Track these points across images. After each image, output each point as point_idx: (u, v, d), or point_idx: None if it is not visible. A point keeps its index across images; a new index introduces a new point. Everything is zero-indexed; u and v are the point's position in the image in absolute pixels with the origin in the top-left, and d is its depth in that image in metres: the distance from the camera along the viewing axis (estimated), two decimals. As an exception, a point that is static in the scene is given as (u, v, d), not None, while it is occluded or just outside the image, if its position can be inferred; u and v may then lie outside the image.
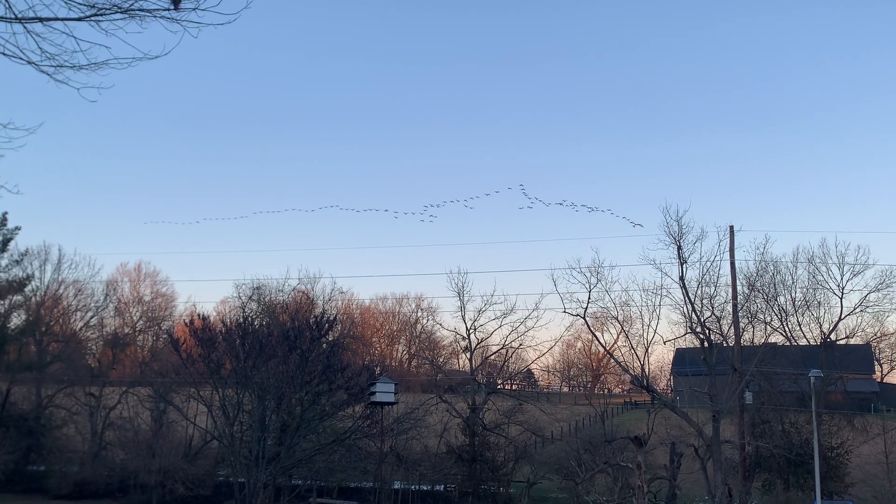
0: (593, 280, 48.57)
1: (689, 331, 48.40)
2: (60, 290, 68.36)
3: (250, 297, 76.27)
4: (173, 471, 50.54)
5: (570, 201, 46.28)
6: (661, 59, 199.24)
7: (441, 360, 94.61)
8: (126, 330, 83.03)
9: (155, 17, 11.14)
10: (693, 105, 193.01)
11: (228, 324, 46.88)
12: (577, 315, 49.69)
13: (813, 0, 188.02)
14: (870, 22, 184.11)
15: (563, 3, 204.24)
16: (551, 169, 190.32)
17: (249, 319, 49.58)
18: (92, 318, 71.88)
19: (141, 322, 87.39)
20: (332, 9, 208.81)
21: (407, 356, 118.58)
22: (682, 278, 46.82)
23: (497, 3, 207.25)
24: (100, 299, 72.07)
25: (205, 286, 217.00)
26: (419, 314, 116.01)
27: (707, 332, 47.52)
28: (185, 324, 49.59)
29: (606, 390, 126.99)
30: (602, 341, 63.58)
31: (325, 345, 45.74)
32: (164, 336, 71.82)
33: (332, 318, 51.09)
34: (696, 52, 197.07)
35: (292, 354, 41.76)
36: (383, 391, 43.29)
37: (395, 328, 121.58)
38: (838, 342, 62.18)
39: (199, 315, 49.48)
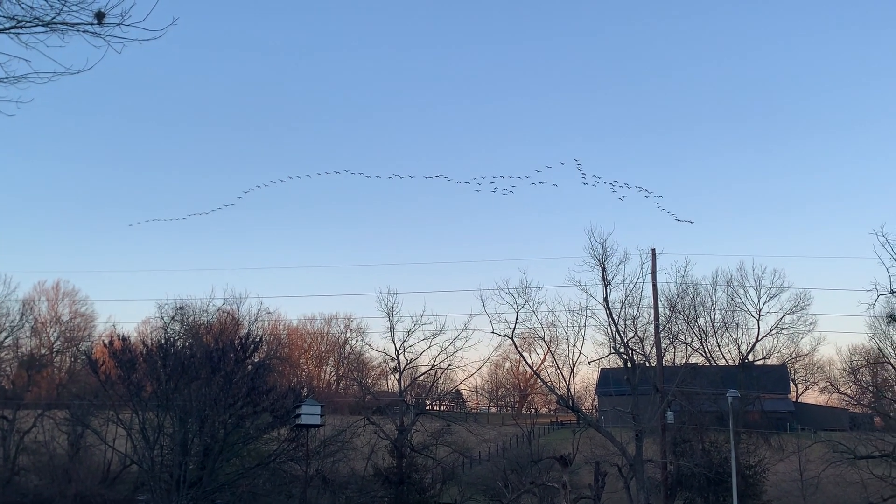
0: (521, 301, 49.22)
1: (612, 351, 49.37)
2: (-28, 309, 65.74)
3: (173, 318, 74.61)
4: (90, 496, 48.87)
5: (610, 181, 47.02)
6: (590, 79, 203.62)
7: (370, 381, 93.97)
8: (43, 351, 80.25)
9: (78, 31, 10.98)
10: (614, 131, 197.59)
11: (150, 345, 45.72)
12: (505, 336, 50.24)
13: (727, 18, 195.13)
14: (791, 44, 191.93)
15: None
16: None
17: (172, 340, 48.46)
18: (6, 338, 69.25)
19: (58, 342, 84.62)
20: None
21: (335, 377, 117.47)
22: (606, 300, 47.83)
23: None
24: (15, 318, 69.47)
25: (126, 306, 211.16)
26: (348, 335, 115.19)
27: (630, 352, 48.55)
28: (105, 345, 48.18)
29: (533, 410, 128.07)
30: (529, 362, 64.36)
31: (250, 366, 44.98)
32: (83, 357, 69.59)
33: (257, 339, 50.26)
34: (624, 74, 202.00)
35: (216, 376, 40.91)
36: (309, 413, 42.73)
37: (323, 349, 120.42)
38: (756, 363, 64.18)
39: (118, 336, 48.10)
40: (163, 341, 45.88)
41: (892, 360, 50.88)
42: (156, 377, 41.21)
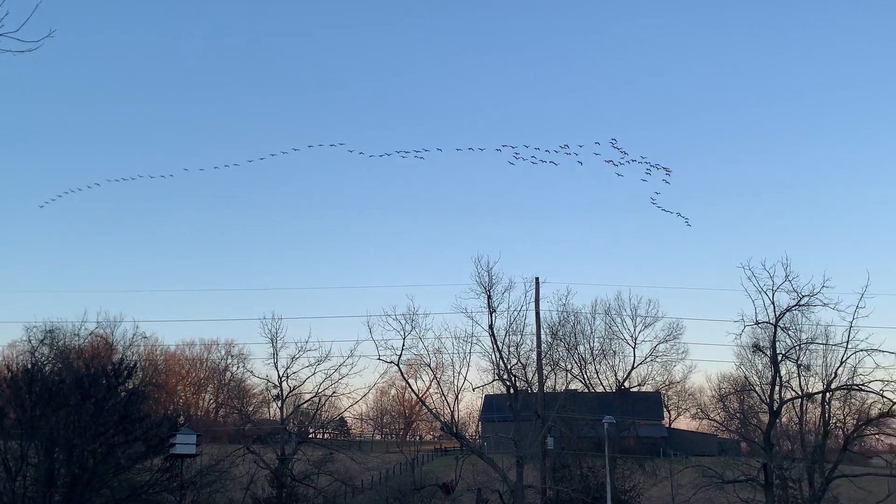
0: (408, 327, 49.34)
1: (496, 378, 50.04)
2: None
3: (42, 341, 71.15)
4: (-59, 534, 45.48)
5: (648, 159, 41.68)
6: (475, 112, 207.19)
7: (251, 408, 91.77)
8: None
9: (-54, 40, 10.50)
10: (498, 165, 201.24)
11: (15, 370, 43.39)
12: (392, 362, 50.18)
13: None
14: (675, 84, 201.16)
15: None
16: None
17: (39, 365, 46.14)
18: None
19: (-88, 367, 78.94)
20: None
21: (214, 405, 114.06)
22: (491, 327, 48.55)
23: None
24: None
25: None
26: (229, 361, 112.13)
27: (513, 379, 49.36)
28: (-36, 370, 45.35)
29: (418, 437, 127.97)
30: (415, 388, 64.43)
31: (123, 393, 43.26)
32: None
33: (132, 365, 48.42)
34: (505, 107, 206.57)
35: (86, 403, 39.12)
36: (184, 442, 41.31)
37: (202, 375, 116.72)
38: (631, 389, 66.35)
39: (-20, 360, 45.48)
40: (29, 366, 43.74)
41: (757, 388, 53.44)
42: (20, 404, 39.09)
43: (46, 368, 47.73)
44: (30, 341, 72.91)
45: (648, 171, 40.67)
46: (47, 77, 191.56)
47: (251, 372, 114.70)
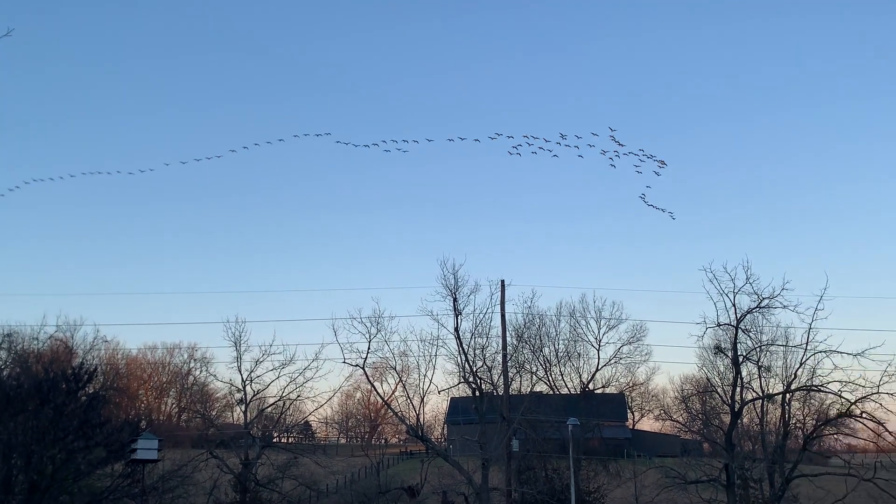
0: (373, 330, 49.25)
1: (462, 380, 50.16)
2: None
3: (-1, 345, 69.80)
4: None
5: (647, 152, 38.63)
6: (439, 121, 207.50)
7: (214, 413, 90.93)
8: None
9: None
10: (464, 169, 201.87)
11: (-30, 374, 42.55)
12: (357, 365, 50.06)
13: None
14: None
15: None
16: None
17: (-3, 370, 45.31)
18: None
19: None
20: None
21: (177, 409, 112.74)
22: (457, 329, 48.69)
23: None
24: None
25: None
26: (192, 364, 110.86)
27: (479, 381, 49.51)
28: (-82, 375, 44.30)
29: (383, 440, 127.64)
30: (380, 392, 64.17)
31: (83, 398, 42.61)
32: None
33: (92, 369, 47.73)
34: (473, 114, 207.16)
35: (45, 408, 38.47)
36: (145, 448, 40.76)
37: (164, 379, 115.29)
38: (595, 391, 66.86)
39: (-65, 365, 44.53)
40: (-14, 370, 42.93)
41: (718, 390, 54.07)
42: (-25, 409, 38.30)
43: (4, 373, 46.95)
44: (-14, 345, 71.49)
45: (643, 160, 40.35)
46: (13, 65, 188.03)
47: (214, 376, 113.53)
